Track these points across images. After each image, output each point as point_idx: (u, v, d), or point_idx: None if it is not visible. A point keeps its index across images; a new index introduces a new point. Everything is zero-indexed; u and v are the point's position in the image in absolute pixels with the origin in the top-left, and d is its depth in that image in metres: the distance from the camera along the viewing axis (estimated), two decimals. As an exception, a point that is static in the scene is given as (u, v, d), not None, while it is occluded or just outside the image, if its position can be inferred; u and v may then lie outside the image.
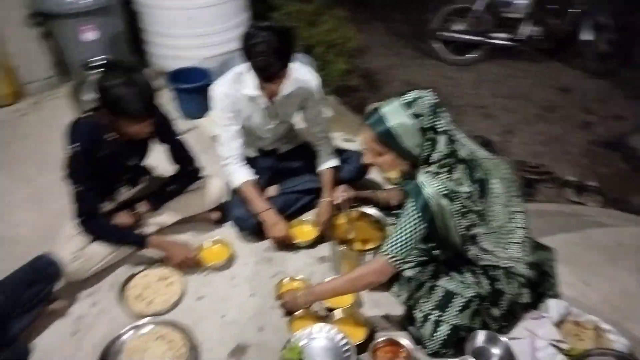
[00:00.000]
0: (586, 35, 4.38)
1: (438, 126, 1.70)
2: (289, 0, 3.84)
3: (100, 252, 2.17)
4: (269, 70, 2.00)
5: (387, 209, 2.28)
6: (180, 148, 2.30)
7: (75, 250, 2.09)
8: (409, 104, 1.67)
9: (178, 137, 2.28)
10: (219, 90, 2.26)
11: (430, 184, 1.68)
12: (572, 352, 1.81)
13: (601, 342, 1.86)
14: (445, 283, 1.89)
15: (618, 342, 1.83)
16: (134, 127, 1.97)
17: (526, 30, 4.48)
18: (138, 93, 1.89)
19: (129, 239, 2.21)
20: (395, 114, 1.67)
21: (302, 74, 2.31)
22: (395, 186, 2.39)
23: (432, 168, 1.71)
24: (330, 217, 2.27)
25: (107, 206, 2.29)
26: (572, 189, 3.18)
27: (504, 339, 1.85)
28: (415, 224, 1.70)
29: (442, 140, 1.70)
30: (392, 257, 1.73)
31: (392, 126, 1.67)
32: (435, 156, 1.70)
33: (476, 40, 4.56)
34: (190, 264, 2.22)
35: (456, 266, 1.95)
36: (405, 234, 1.71)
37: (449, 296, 1.85)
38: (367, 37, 5.11)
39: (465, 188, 1.71)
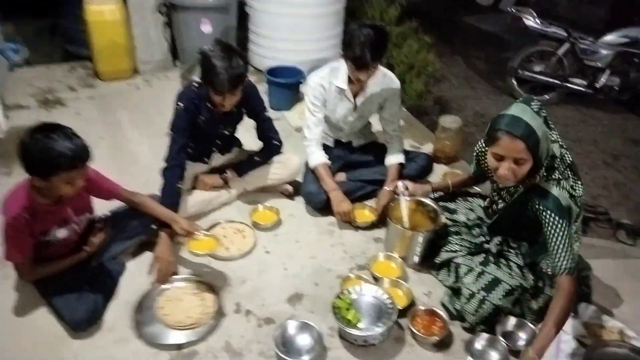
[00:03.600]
0: (665, 92, 4.42)
1: (552, 136, 1.90)
2: (380, 19, 4.18)
3: (195, 198, 2.56)
4: (363, 60, 2.31)
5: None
6: (266, 125, 2.65)
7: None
8: (538, 113, 1.81)
9: (266, 114, 2.64)
10: (314, 78, 2.62)
11: (562, 195, 1.84)
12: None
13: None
14: (494, 271, 2.09)
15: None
16: (216, 97, 2.29)
17: (605, 79, 4.56)
18: (227, 68, 2.18)
19: (162, 210, 2.25)
20: (537, 123, 1.77)
21: (387, 77, 2.64)
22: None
23: (555, 175, 1.87)
24: (389, 202, 2.53)
25: (200, 168, 2.69)
26: (626, 231, 3.25)
27: (531, 326, 2.03)
28: (569, 233, 1.83)
29: (556, 148, 1.91)
30: (572, 271, 1.83)
31: (540, 136, 1.77)
32: (556, 163, 1.88)
33: (554, 83, 4.68)
34: (160, 275, 2.20)
35: (506, 258, 2.17)
36: (568, 246, 1.82)
37: (495, 282, 2.06)
38: (447, 68, 5.39)
39: (579, 192, 1.92)
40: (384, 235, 2.57)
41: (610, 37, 4.51)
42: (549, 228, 1.86)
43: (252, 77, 4.28)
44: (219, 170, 2.67)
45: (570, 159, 1.96)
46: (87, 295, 2.05)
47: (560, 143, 1.95)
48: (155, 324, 2.04)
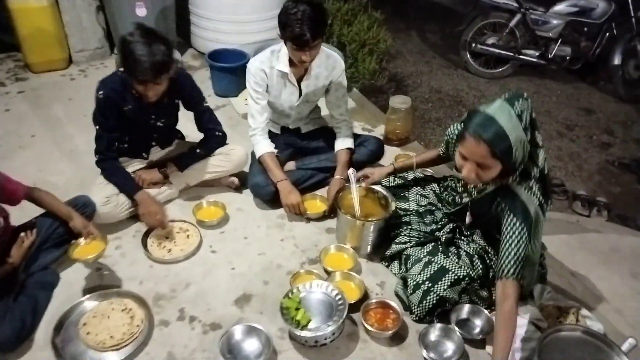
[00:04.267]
0: (616, 60, 4.45)
1: (538, 140, 1.73)
2: (327, -3, 4.03)
3: (128, 200, 2.38)
4: (302, 39, 2.17)
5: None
6: (205, 116, 2.49)
7: (107, 195, 2.31)
8: (519, 117, 1.62)
9: (204, 105, 2.47)
10: (254, 64, 2.46)
11: (532, 202, 1.71)
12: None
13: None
14: (442, 260, 2.03)
15: (594, 327, 1.93)
16: (139, 86, 2.13)
17: (557, 50, 4.58)
18: (148, 55, 2.02)
19: (127, 184, 2.34)
20: (512, 128, 1.60)
21: (331, 58, 2.51)
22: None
23: (529, 183, 1.73)
24: (339, 191, 2.43)
25: (139, 164, 2.52)
26: (581, 202, 3.27)
27: (487, 312, 1.99)
28: (525, 240, 1.71)
29: (541, 156, 1.74)
30: (521, 278, 1.72)
31: (512, 141, 1.60)
32: (534, 171, 1.74)
33: (507, 56, 4.68)
34: (156, 224, 2.33)
35: (456, 246, 2.10)
36: (521, 252, 1.71)
37: (442, 271, 1.99)
38: (401, 43, 5.32)
39: (547, 204, 1.79)
40: (334, 224, 2.48)
41: (560, 7, 4.52)
42: (508, 230, 1.74)
43: (195, 62, 4.15)
44: (159, 165, 2.51)
45: (548, 172, 1.80)
46: (13, 312, 1.88)
47: (544, 152, 1.78)
48: (77, 344, 1.88)
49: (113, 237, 2.36)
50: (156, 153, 2.58)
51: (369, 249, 2.31)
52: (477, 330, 1.98)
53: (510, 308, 1.69)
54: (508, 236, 1.74)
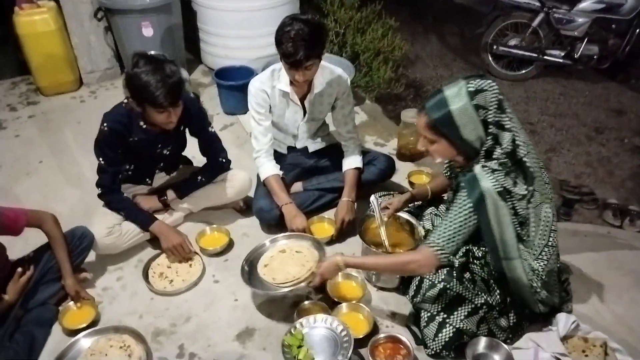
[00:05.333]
0: (647, 57, 4.22)
1: (504, 123, 1.65)
2: (340, 5, 3.92)
3: (132, 229, 2.32)
4: (296, 57, 2.06)
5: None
6: (211, 141, 2.40)
7: (110, 225, 2.25)
8: (473, 93, 1.60)
9: (210, 130, 2.38)
10: (255, 85, 2.37)
11: (487, 178, 1.62)
12: (575, 368, 1.78)
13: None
14: (457, 287, 1.88)
15: (624, 362, 1.78)
16: (159, 116, 2.05)
17: (584, 49, 4.36)
18: (162, 82, 1.95)
19: (138, 217, 2.29)
20: (457, 99, 1.60)
21: (335, 74, 2.39)
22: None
23: (491, 164, 1.65)
24: (355, 219, 2.33)
25: (142, 190, 2.45)
26: (612, 211, 3.07)
27: (506, 347, 1.84)
28: (466, 216, 1.65)
29: (506, 138, 1.65)
30: (439, 249, 1.68)
31: (452, 113, 1.60)
32: (497, 152, 1.66)
33: (531, 57, 4.49)
34: (182, 253, 2.27)
35: (471, 272, 1.96)
36: (455, 226, 1.66)
37: (457, 300, 1.85)
38: (420, 47, 5.17)
39: (520, 190, 1.67)
40: (345, 250, 2.36)
41: (585, 4, 4.29)
42: (453, 204, 1.68)
43: (205, 79, 4.10)
44: (159, 191, 2.44)
45: (523, 156, 1.68)
46: (8, 352, 1.83)
47: (516, 136, 1.67)
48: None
49: (114, 267, 2.31)
50: (160, 179, 2.51)
51: (397, 282, 2.16)
52: (496, 366, 1.83)
53: (405, 259, 1.78)
54: (451, 208, 1.70)
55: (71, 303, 2.06)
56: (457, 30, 5.55)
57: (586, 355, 1.82)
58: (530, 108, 4.26)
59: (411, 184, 2.75)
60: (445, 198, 2.30)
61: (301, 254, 2.15)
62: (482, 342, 1.86)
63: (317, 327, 1.85)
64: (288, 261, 2.12)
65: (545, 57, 4.45)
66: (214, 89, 3.66)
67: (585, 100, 4.37)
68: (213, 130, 2.40)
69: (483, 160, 1.68)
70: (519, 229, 1.73)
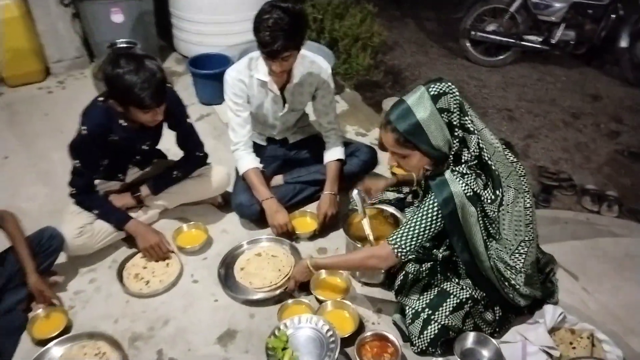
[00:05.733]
0: (623, 43, 4.23)
1: (468, 125, 1.62)
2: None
3: (105, 228, 2.21)
4: (272, 47, 1.97)
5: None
6: (188, 134, 2.30)
7: (81, 225, 2.13)
8: (435, 97, 1.58)
9: (188, 123, 2.28)
10: (231, 74, 2.27)
11: (457, 182, 1.61)
12: (562, 359, 1.77)
13: (595, 351, 1.82)
14: (441, 282, 1.86)
15: (612, 353, 1.78)
16: (145, 115, 1.95)
17: (561, 34, 4.37)
18: (147, 82, 1.85)
19: (112, 216, 2.19)
20: (421, 106, 1.57)
21: (315, 63, 2.31)
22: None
23: (460, 168, 1.63)
24: (338, 212, 2.27)
25: (114, 186, 2.34)
26: (590, 197, 3.09)
27: (494, 341, 1.81)
28: (432, 219, 1.64)
29: (473, 141, 1.63)
30: (399, 248, 1.68)
31: (420, 121, 1.56)
32: (465, 156, 1.64)
33: (508, 42, 4.48)
34: (159, 252, 2.19)
35: (455, 265, 1.93)
36: (418, 227, 1.66)
37: (442, 295, 1.82)
38: (397, 33, 5.10)
39: (489, 194, 1.66)
40: (328, 245, 2.30)
41: (562, -11, 4.28)
42: (422, 204, 1.67)
43: (179, 67, 3.95)
44: (132, 188, 2.32)
45: (488, 159, 1.65)
46: None
47: (480, 139, 1.64)
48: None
49: (87, 269, 2.21)
50: (134, 174, 2.40)
51: (382, 277, 2.11)
52: (485, 360, 1.81)
53: (365, 255, 1.80)
54: (417, 208, 1.70)
55: (40, 310, 1.95)
56: (435, 16, 5.51)
57: (574, 348, 1.81)
58: (508, 94, 4.25)
59: (393, 174, 2.70)
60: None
61: (277, 258, 2.13)
62: (470, 337, 1.83)
63: (302, 327, 1.79)
64: (264, 265, 2.10)
65: (523, 42, 4.45)
66: (188, 77, 3.53)
67: (562, 86, 4.39)
68: (190, 121, 2.30)
69: (452, 164, 1.65)
70: (490, 229, 1.71)
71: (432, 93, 1.58)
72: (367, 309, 2.03)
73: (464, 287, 1.84)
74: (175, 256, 2.24)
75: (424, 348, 1.82)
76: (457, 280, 1.87)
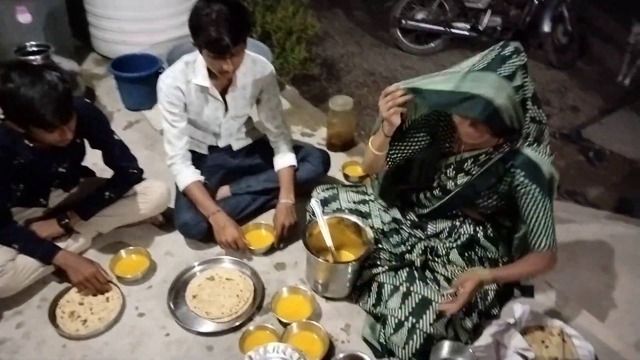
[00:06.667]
0: (545, 27, 4.36)
1: (529, 95, 1.56)
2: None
3: (30, 264, 1.92)
4: (221, 44, 1.79)
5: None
6: (116, 150, 2.04)
7: (1, 263, 1.84)
8: (510, 77, 1.48)
9: (114, 138, 2.02)
10: (166, 81, 2.05)
11: (545, 162, 1.61)
12: (538, 360, 1.74)
13: (566, 347, 1.81)
14: (422, 289, 1.77)
15: (582, 347, 1.78)
16: (51, 135, 1.68)
17: (487, 20, 4.44)
18: (46, 96, 1.59)
19: (37, 249, 1.92)
20: (500, 91, 1.47)
21: (258, 63, 2.14)
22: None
23: (532, 140, 1.61)
24: (296, 222, 2.15)
25: (35, 213, 2.05)
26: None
27: (469, 349, 1.76)
28: (550, 210, 1.64)
29: (542, 113, 1.62)
30: (554, 248, 1.68)
31: (498, 106, 1.48)
32: (539, 132, 1.63)
33: (438, 30, 4.51)
34: (97, 285, 1.95)
35: (432, 271, 1.86)
36: (550, 222, 1.65)
37: (424, 302, 1.73)
38: (328, 24, 4.99)
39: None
40: (287, 260, 2.16)
41: (487, -24, 4.36)
42: (528, 200, 1.63)
43: (99, 69, 3.58)
44: (59, 213, 2.04)
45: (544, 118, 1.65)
46: None
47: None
48: None
49: (12, 312, 1.91)
50: (58, 197, 2.11)
51: (347, 291, 1.99)
52: (462, 369, 1.75)
53: (536, 269, 1.74)
54: (532, 209, 1.64)
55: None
56: (364, 5, 5.44)
57: (547, 347, 1.79)
58: (442, 82, 4.27)
59: (346, 176, 2.59)
60: None
61: (233, 281, 1.96)
62: (445, 346, 1.76)
63: (269, 358, 1.64)
64: (219, 291, 1.93)
65: (452, 29, 4.50)
66: (110, 80, 3.20)
67: (492, 72, 4.47)
68: (116, 137, 2.04)
69: (523, 140, 1.61)
70: None
71: (504, 74, 1.48)
72: (335, 327, 1.91)
73: (444, 294, 1.76)
74: (115, 288, 2.00)
75: (407, 359, 1.72)
76: (437, 287, 1.79)
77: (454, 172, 1.81)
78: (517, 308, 1.87)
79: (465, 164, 1.76)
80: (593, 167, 3.49)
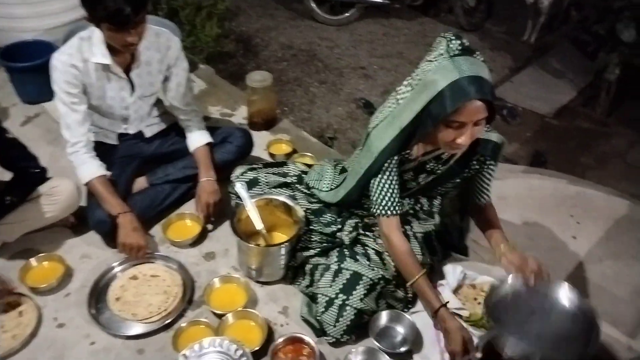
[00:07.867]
0: (455, -9, 4.47)
1: None
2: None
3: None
4: (122, 14, 1.66)
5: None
6: (11, 151, 1.83)
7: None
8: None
9: (8, 137, 1.80)
10: (60, 59, 1.87)
11: (498, 136, 1.67)
12: (471, 317, 1.79)
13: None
14: (352, 265, 1.76)
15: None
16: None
17: (399, -12, 4.47)
18: None
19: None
20: (483, 68, 1.45)
21: (162, 37, 2.01)
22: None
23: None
24: (222, 199, 2.06)
25: None
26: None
27: (407, 315, 1.78)
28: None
29: None
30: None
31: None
32: None
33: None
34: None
35: (363, 245, 1.84)
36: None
37: (355, 278, 1.72)
38: (241, -3, 4.81)
39: None
40: (216, 248, 2.06)
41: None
42: (487, 173, 1.74)
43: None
44: None
45: None
46: None
47: None
48: None
49: None
50: (-54, 206, 1.87)
51: (282, 272, 1.93)
52: (400, 338, 1.76)
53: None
54: (487, 177, 1.75)
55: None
56: (274, -24, 5.29)
57: (479, 303, 1.84)
58: (359, 52, 4.28)
59: (272, 155, 2.50)
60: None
61: (159, 278, 1.85)
62: (384, 316, 1.78)
63: (205, 353, 1.55)
64: (145, 290, 1.82)
65: (364, -2, 4.48)
66: (1, 73, 2.90)
67: (406, 39, 4.53)
68: (12, 135, 1.83)
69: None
70: None
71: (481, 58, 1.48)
72: (273, 311, 1.86)
73: (374, 267, 1.75)
74: (28, 300, 1.82)
75: (339, 337, 1.72)
76: (367, 261, 1.78)
77: (412, 174, 1.76)
78: (449, 268, 1.92)
79: (427, 165, 1.72)
80: (507, 124, 3.65)
